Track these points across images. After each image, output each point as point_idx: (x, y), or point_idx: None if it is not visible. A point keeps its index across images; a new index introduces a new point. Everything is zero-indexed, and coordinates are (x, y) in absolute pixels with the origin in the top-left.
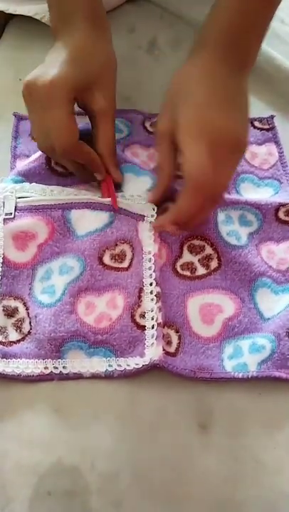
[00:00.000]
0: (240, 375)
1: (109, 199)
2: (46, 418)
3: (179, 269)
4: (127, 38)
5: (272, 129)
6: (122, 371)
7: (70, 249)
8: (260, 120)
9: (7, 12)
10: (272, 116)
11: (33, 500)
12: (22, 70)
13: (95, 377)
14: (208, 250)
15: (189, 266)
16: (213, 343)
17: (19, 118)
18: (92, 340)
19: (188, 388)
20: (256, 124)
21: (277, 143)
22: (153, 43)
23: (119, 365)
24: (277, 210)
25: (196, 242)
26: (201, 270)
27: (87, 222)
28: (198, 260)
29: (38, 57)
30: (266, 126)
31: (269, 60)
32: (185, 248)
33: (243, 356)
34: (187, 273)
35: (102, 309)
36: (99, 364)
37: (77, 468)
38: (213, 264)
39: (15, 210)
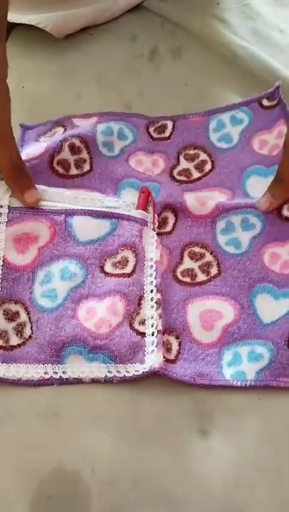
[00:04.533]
0: (238, 383)
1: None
2: (47, 422)
3: (179, 275)
4: (128, 47)
5: (279, 103)
6: (121, 378)
7: (71, 253)
8: (268, 97)
9: (10, 22)
10: (277, 88)
11: (33, 505)
12: (25, 78)
13: (95, 382)
14: (208, 257)
15: (190, 272)
16: (212, 350)
17: (25, 128)
18: (91, 345)
19: (189, 393)
20: (264, 102)
21: (286, 117)
22: (154, 51)
23: (119, 372)
24: (280, 207)
25: (196, 250)
26: (201, 277)
27: (89, 229)
28: (199, 267)
29: (41, 65)
30: (274, 102)
31: (269, 69)
32: (186, 255)
33: (242, 364)
34: (187, 279)
35: (102, 315)
36: (98, 370)
37: (78, 472)
38: (213, 270)
39: (9, 210)
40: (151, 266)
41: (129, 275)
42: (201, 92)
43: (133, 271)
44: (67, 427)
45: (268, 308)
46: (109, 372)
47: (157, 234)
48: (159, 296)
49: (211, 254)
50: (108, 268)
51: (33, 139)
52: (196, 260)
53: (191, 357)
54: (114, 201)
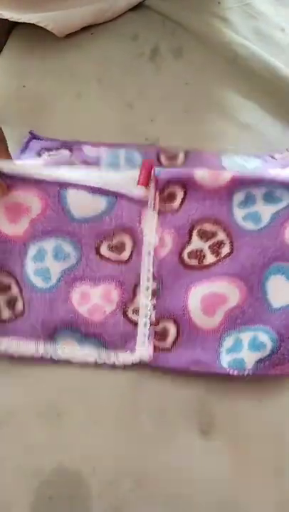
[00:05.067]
0: (235, 372)
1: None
2: (47, 422)
3: (186, 257)
4: (129, 46)
5: None
6: (111, 364)
7: (65, 231)
8: (281, 152)
9: (11, 20)
10: None
11: (34, 505)
12: (26, 76)
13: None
14: (221, 236)
15: (198, 254)
16: (212, 336)
17: (33, 136)
18: (84, 332)
19: (189, 393)
20: (277, 156)
21: None
22: (155, 50)
23: (109, 358)
24: None
25: (208, 227)
26: (210, 258)
27: (85, 205)
28: (209, 247)
29: (42, 63)
30: (287, 156)
31: (270, 69)
32: (194, 233)
33: (242, 351)
34: (194, 262)
35: (97, 301)
36: (89, 354)
37: (79, 472)
38: (225, 250)
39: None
40: (149, 252)
41: (125, 262)
42: (202, 92)
43: (130, 257)
44: (68, 426)
45: (280, 291)
46: (99, 358)
47: (162, 211)
48: (155, 285)
49: (224, 231)
50: (104, 251)
51: (36, 150)
52: (207, 239)
53: (189, 344)
54: (115, 173)
